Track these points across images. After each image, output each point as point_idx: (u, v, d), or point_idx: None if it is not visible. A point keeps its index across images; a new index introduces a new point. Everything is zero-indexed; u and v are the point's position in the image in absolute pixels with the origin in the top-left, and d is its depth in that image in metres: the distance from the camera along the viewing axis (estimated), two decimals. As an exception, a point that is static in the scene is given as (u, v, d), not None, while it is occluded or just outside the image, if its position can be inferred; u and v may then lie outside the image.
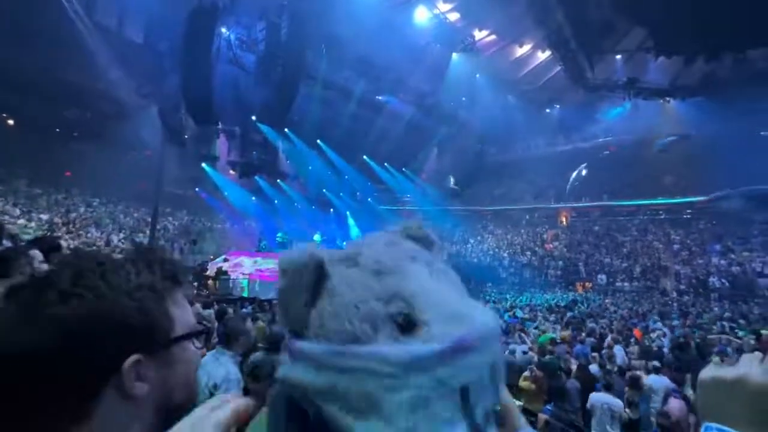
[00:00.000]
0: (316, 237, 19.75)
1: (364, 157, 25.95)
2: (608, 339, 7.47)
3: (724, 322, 10.83)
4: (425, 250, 0.39)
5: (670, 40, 17.43)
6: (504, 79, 24.42)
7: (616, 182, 24.98)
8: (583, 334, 7.84)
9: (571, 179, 24.57)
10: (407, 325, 0.27)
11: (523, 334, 7.27)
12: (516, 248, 24.76)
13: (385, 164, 27.23)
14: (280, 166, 22.75)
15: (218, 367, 2.09)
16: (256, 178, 21.50)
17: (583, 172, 24.68)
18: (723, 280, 16.82)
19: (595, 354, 6.27)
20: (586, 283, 19.33)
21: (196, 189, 20.97)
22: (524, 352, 5.69)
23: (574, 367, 5.44)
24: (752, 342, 8.25)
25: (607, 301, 14.57)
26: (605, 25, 18.05)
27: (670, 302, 15.10)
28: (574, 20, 16.82)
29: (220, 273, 11.78)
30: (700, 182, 22.58)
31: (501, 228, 27.84)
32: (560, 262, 21.69)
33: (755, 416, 0.40)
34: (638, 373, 5.24)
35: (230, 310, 6.37)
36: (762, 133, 21.20)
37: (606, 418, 4.04)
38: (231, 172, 21.15)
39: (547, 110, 27.58)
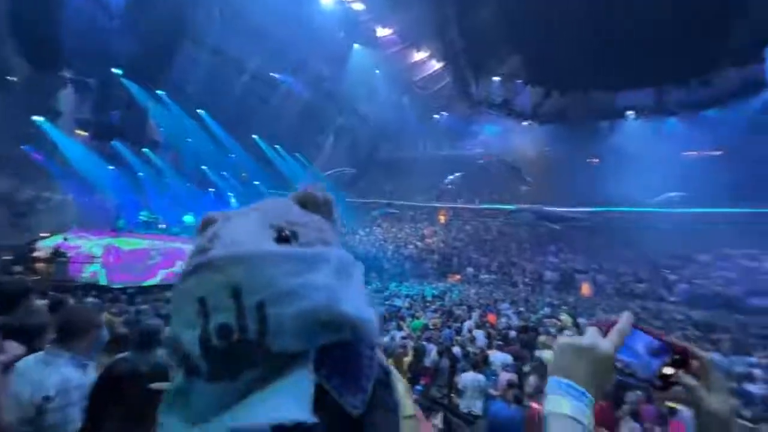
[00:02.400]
0: (188, 218, 17.73)
1: (254, 136, 24.22)
2: (470, 324, 8.55)
3: (550, 308, 13.45)
4: (287, 209, 0.47)
5: (536, 74, 20.66)
6: (401, 80, 25.54)
7: (485, 188, 28.62)
8: (452, 320, 8.80)
9: (446, 182, 27.25)
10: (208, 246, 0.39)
11: (401, 322, 7.75)
12: (399, 241, 26.34)
13: (277, 146, 25.91)
14: (149, 133, 19.59)
15: (50, 373, 1.62)
16: (115, 143, 17.99)
17: (452, 177, 27.48)
18: (554, 274, 20.83)
19: (458, 337, 7.09)
20: (456, 275, 21.69)
21: (24, 147, 16.45)
22: (403, 338, 6.06)
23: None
24: (570, 323, 10.49)
25: (472, 291, 16.61)
26: (490, 48, 20.38)
27: (518, 292, 18.03)
28: (466, 38, 18.53)
29: (57, 254, 9.59)
30: (549, 193, 27.52)
31: (387, 221, 29.26)
32: (436, 256, 23.88)
33: (594, 376, 0.52)
34: (487, 351, 6.15)
35: (71, 300, 5.22)
36: (587, 160, 26.98)
37: (476, 393, 4.60)
38: (79, 132, 17.29)
39: (436, 116, 29.89)
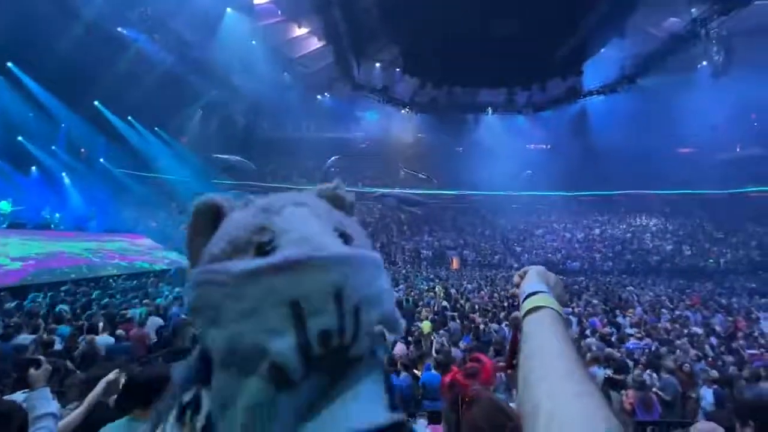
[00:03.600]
0: (4, 205, 13.86)
1: (96, 103, 19.91)
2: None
3: (427, 283, 14.86)
4: (328, 206, 0.44)
5: (411, 64, 21.85)
6: (281, 55, 24.06)
7: (368, 171, 29.53)
8: None
9: (326, 165, 27.26)
10: (264, 252, 0.32)
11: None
12: (282, 226, 25.40)
13: (130, 118, 21.86)
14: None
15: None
16: None
17: (331, 160, 27.66)
18: (429, 252, 22.95)
19: None
20: (341, 258, 22.06)
21: None
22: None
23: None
24: (442, 294, 11.80)
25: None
26: (371, 33, 20.67)
27: (398, 270, 19.31)
28: (348, 19, 18.36)
29: None
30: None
31: (268, 205, 27.83)
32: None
33: (555, 287, 0.65)
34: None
35: None
36: (456, 148, 30.22)
37: None
38: None
39: (319, 97, 29.26)
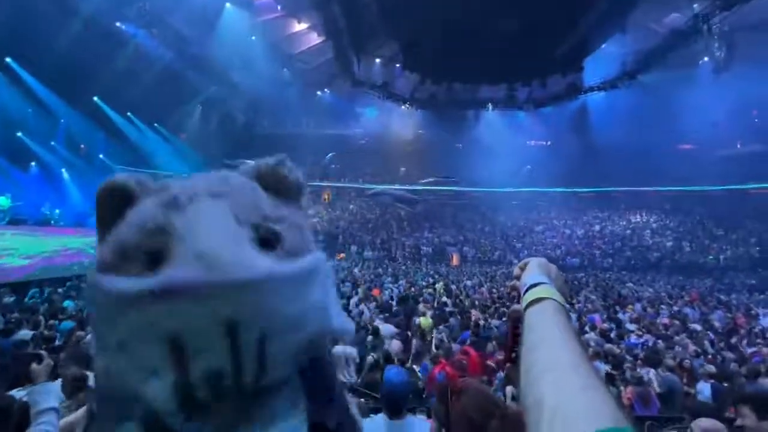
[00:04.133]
0: (3, 201, 13.84)
1: (95, 98, 19.84)
2: (355, 299, 8.86)
3: (426, 279, 14.87)
4: (257, 195, 0.35)
5: (411, 60, 21.75)
6: (280, 51, 23.97)
7: (368, 168, 29.49)
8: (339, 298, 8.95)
9: (325, 161, 27.28)
10: (156, 261, 0.26)
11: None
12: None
13: (129, 114, 21.80)
14: None
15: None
16: None
17: (328, 157, 27.59)
18: (429, 248, 22.96)
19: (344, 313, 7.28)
20: (341, 254, 22.07)
21: None
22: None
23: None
24: (443, 290, 11.81)
25: (355, 269, 17.09)
26: (371, 29, 20.57)
27: (399, 266, 19.33)
28: (348, 15, 18.26)
29: None
30: (426, 173, 29.84)
31: (269, 202, 27.84)
32: (321, 236, 23.83)
33: (556, 279, 0.63)
34: (377, 323, 6.50)
35: None
36: (457, 144, 30.16)
37: (341, 363, 4.73)
38: None
39: (319, 93, 29.16)
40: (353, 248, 22.51)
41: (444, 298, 10.00)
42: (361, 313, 7.37)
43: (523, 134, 29.04)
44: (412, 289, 11.70)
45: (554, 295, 0.57)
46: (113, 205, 0.30)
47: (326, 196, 29.37)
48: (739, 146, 25.51)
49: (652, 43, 19.67)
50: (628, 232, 24.14)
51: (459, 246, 23.30)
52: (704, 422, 2.18)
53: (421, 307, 8.72)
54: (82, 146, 20.68)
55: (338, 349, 4.86)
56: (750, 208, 22.53)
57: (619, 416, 0.39)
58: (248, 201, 0.33)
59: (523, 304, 0.58)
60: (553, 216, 27.02)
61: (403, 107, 26.30)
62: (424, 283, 13.26)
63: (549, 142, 30.15)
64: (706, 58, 22.09)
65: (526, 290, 0.59)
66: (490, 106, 26.38)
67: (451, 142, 29.75)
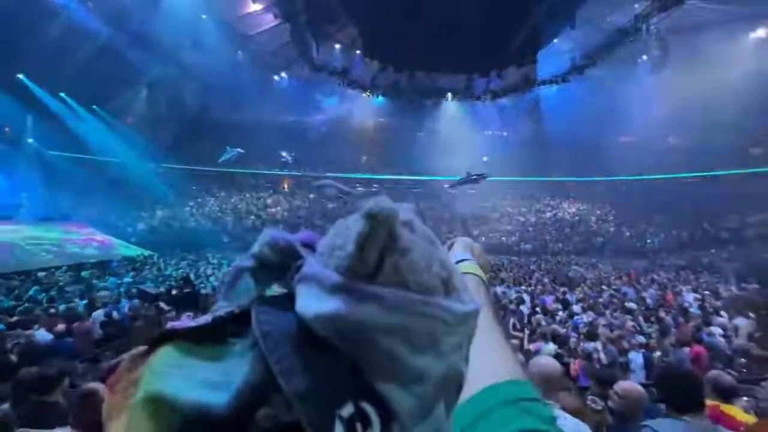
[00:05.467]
0: None
1: (21, 76, 17.91)
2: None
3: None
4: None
5: (370, 47, 21.49)
6: (234, 32, 22.73)
7: (328, 156, 29.05)
8: None
9: (284, 155, 26.60)
10: (447, 288, 0.31)
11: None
12: (240, 212, 24.47)
13: (62, 95, 19.89)
14: None
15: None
16: None
17: (289, 156, 26.81)
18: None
19: None
20: (302, 244, 21.81)
21: None
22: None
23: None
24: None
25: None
26: (330, 12, 20.02)
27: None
28: (305, -3, 17.65)
29: None
30: (388, 162, 29.91)
31: (225, 191, 26.65)
32: (282, 226, 23.30)
33: (480, 256, 0.69)
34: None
35: None
36: (418, 133, 30.45)
37: None
38: None
39: (276, 77, 28.13)
40: (314, 238, 22.27)
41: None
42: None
43: (481, 125, 29.84)
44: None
45: (476, 270, 0.62)
46: (384, 233, 0.31)
47: (285, 185, 28.69)
48: (671, 140, 27.84)
49: (598, 40, 20.81)
50: (576, 218, 25.76)
51: (420, 234, 23.74)
52: (625, 384, 2.43)
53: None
54: (7, 129, 18.65)
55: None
56: (682, 194, 24.73)
57: (518, 372, 0.43)
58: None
59: None
60: (508, 204, 28.23)
61: (363, 95, 26.04)
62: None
63: (505, 133, 31.23)
64: (645, 57, 23.78)
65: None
66: (449, 95, 26.79)
67: (412, 131, 29.98)
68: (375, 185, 29.78)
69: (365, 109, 29.01)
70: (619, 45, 19.94)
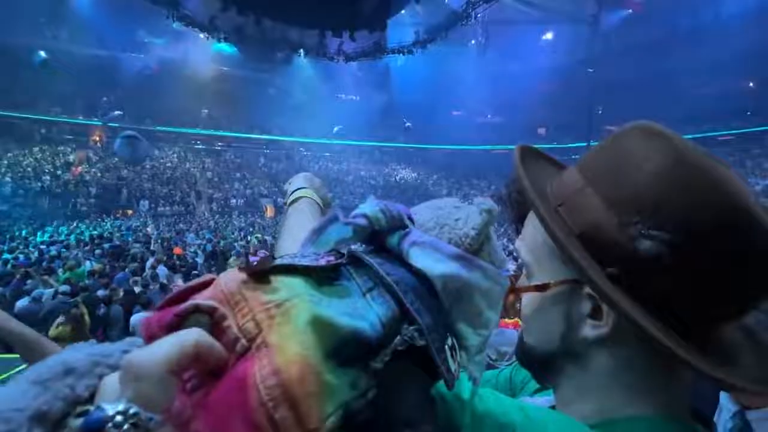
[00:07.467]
0: None
1: None
2: (151, 260, 7.61)
3: (240, 232, 14.13)
4: None
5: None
6: None
7: (157, 106, 24.41)
8: (128, 261, 7.63)
9: (104, 101, 21.10)
10: (502, 266, 0.41)
11: (47, 277, 5.82)
12: (27, 172, 18.65)
13: None
14: None
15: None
16: None
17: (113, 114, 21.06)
18: (241, 200, 21.59)
19: (137, 278, 6.28)
20: (128, 210, 18.23)
21: None
22: (53, 297, 4.67)
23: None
24: (257, 243, 11.45)
25: (148, 227, 14.42)
26: None
27: (206, 220, 17.45)
28: None
29: None
30: (236, 119, 26.95)
31: (-2, 144, 19.80)
32: (93, 189, 18.80)
33: (311, 183, 0.74)
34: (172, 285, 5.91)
35: None
36: (268, 89, 28.26)
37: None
38: None
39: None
40: (144, 203, 18.90)
41: (263, 251, 9.76)
42: (155, 276, 6.39)
43: (334, 87, 29.69)
44: (222, 243, 10.92)
45: (312, 195, 0.68)
46: (491, 221, 0.43)
47: (98, 138, 23.05)
48: (489, 116, 33.46)
49: (437, 20, 22.84)
50: (418, 182, 28.92)
51: (273, 198, 22.79)
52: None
53: (232, 261, 8.29)
54: None
55: (138, 316, 4.16)
56: (495, 164, 30.25)
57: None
58: None
59: (287, 205, 0.69)
60: (361, 167, 29.55)
61: (201, 36, 22.39)
62: (233, 237, 12.54)
63: (357, 98, 31.95)
64: (473, 41, 27.42)
65: (290, 196, 0.70)
66: (302, 51, 25.49)
67: (263, 85, 27.66)
68: (219, 143, 26.81)
69: (205, 55, 25.17)
70: (453, 26, 22.29)
